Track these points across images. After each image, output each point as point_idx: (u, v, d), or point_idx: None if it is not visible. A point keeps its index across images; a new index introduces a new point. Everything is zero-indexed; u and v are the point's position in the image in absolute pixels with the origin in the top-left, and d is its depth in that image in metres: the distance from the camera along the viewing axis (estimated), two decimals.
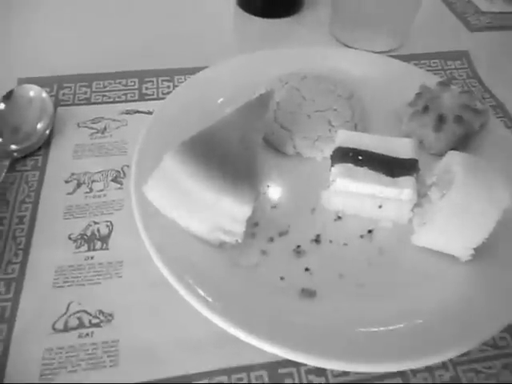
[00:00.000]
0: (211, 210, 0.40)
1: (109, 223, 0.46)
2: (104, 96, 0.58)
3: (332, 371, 0.38)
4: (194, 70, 0.57)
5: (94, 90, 0.59)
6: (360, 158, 0.44)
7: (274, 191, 0.47)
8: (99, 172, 0.50)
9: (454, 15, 0.75)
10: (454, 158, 0.41)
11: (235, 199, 0.39)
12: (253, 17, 0.71)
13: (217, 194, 0.39)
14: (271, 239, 0.43)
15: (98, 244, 0.45)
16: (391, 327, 0.38)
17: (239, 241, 0.41)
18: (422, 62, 0.65)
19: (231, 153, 0.41)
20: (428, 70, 0.63)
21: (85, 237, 0.45)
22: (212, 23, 0.70)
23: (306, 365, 0.37)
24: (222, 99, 0.54)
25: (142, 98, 0.58)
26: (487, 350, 0.39)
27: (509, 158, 0.49)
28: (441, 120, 0.49)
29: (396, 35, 0.67)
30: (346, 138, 0.46)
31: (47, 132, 0.52)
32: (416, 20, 0.67)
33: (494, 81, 0.63)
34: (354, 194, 0.43)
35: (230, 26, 0.72)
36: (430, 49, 0.67)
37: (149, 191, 0.42)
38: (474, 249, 0.40)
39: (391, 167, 0.43)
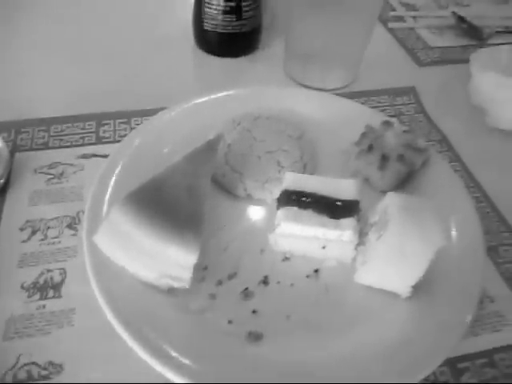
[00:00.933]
0: (158, 259, 0.41)
1: (62, 271, 0.47)
2: (61, 140, 0.59)
3: None
4: (151, 112, 0.59)
5: (51, 134, 0.60)
6: (304, 200, 0.45)
7: (225, 234, 0.48)
8: (54, 218, 0.51)
9: (404, 50, 0.78)
10: (390, 199, 0.44)
11: (180, 248, 0.40)
12: (211, 56, 0.73)
13: (162, 243, 0.40)
14: (220, 282, 0.45)
15: (51, 292, 0.45)
16: (335, 366, 0.39)
17: (187, 286, 0.42)
18: (372, 98, 0.67)
19: (178, 201, 0.43)
20: (377, 106, 0.66)
21: (37, 285, 0.45)
22: (170, 63, 0.72)
23: None
24: (176, 143, 0.55)
25: (99, 141, 0.60)
26: None
27: (448, 193, 0.51)
28: (384, 159, 0.52)
29: (347, 72, 0.69)
30: (293, 180, 0.48)
31: (2, 181, 0.52)
32: (368, 56, 0.70)
33: (439, 115, 0.66)
34: (299, 236, 0.45)
35: (188, 65, 0.74)
36: (381, 84, 0.70)
37: (99, 241, 0.43)
38: (413, 286, 0.42)
39: (334, 209, 0.45)
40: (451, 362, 0.42)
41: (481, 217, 0.52)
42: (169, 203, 0.42)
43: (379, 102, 0.67)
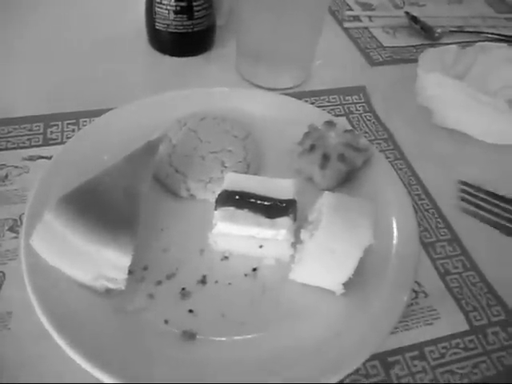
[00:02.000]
0: (93, 260, 0.41)
1: (1, 274, 0.47)
2: (8, 142, 0.59)
3: None
4: (100, 113, 0.59)
5: None
6: (241, 200, 0.46)
7: (166, 234, 0.49)
8: None
9: (357, 50, 0.79)
10: (325, 199, 0.45)
11: (114, 250, 0.41)
12: (163, 56, 0.73)
13: (96, 245, 0.41)
14: (159, 282, 0.45)
15: None
16: (263, 363, 0.40)
17: (122, 287, 0.42)
18: (322, 97, 0.68)
19: (113, 203, 0.43)
20: (327, 106, 0.67)
21: None
22: (123, 63, 0.71)
23: None
24: (121, 144, 0.55)
25: (47, 142, 0.59)
26: (359, 380, 0.42)
27: (388, 192, 0.52)
28: (325, 158, 0.53)
29: (298, 71, 0.70)
30: (233, 180, 0.48)
31: None
32: (321, 56, 0.72)
33: (387, 114, 0.67)
34: (235, 235, 0.45)
35: (141, 65, 0.74)
36: (333, 84, 0.71)
37: (35, 244, 0.43)
38: (345, 283, 0.43)
39: (270, 209, 0.46)
40: (382, 356, 0.43)
41: (421, 214, 0.54)
42: (104, 204, 0.43)
43: (329, 102, 0.68)
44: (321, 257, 0.42)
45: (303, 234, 0.44)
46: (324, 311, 0.44)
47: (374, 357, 0.42)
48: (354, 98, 0.69)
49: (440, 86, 0.62)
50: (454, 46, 0.70)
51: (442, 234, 0.53)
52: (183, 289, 0.45)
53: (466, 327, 0.46)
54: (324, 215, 0.42)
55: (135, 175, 0.46)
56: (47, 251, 0.42)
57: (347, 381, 0.41)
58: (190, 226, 0.50)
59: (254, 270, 0.47)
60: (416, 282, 0.48)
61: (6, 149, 0.58)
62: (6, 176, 0.55)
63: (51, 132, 0.60)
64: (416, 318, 0.46)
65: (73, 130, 0.61)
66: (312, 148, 0.54)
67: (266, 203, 0.46)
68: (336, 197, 0.45)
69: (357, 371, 0.42)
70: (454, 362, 0.44)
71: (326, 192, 0.46)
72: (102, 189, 0.44)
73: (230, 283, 0.45)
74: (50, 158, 0.57)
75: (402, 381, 0.42)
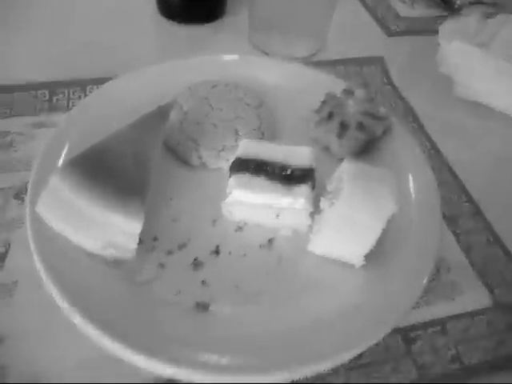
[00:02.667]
0: (102, 227, 0.39)
1: (6, 242, 0.45)
2: (12, 109, 0.57)
3: None
4: (107, 80, 0.56)
5: (1, 102, 0.57)
6: (257, 168, 0.44)
7: (177, 204, 0.47)
8: (1, 189, 0.49)
9: (373, 20, 0.76)
10: (345, 167, 0.42)
11: (124, 216, 0.39)
12: (174, 23, 0.71)
13: (105, 211, 0.39)
14: (170, 252, 0.43)
15: None
16: (280, 336, 0.38)
17: (132, 256, 0.40)
18: (338, 67, 0.66)
19: (122, 169, 0.41)
20: (344, 76, 0.64)
21: None
22: (131, 30, 0.69)
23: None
24: (128, 111, 0.52)
25: (53, 110, 0.57)
26: (379, 354, 0.40)
27: (408, 162, 0.50)
28: (343, 127, 0.50)
29: (312, 41, 0.67)
30: (247, 147, 0.46)
31: None
32: (336, 25, 0.69)
33: (406, 86, 0.64)
34: (251, 204, 0.43)
35: (149, 33, 0.71)
36: (349, 54, 0.68)
37: (41, 210, 0.41)
38: (366, 255, 0.41)
39: (287, 176, 0.44)
40: (403, 331, 0.41)
41: (442, 186, 0.52)
42: (112, 169, 0.40)
43: (346, 72, 0.65)
44: (341, 227, 0.40)
45: (323, 203, 0.42)
46: (343, 284, 0.42)
47: (394, 331, 0.41)
48: (371, 68, 0.66)
49: (463, 56, 0.59)
50: (474, 15, 0.67)
51: (465, 207, 0.51)
52: (195, 259, 0.43)
53: (489, 303, 0.44)
54: (345, 184, 0.40)
55: (145, 141, 0.44)
56: (54, 218, 0.40)
57: (366, 355, 0.40)
58: (201, 195, 0.47)
59: (270, 240, 0.44)
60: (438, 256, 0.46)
61: (11, 116, 0.56)
62: (11, 143, 0.53)
63: (57, 99, 0.58)
64: (438, 293, 0.44)
65: (79, 98, 0.58)
66: (330, 116, 0.51)
67: (283, 171, 0.44)
68: (357, 165, 0.42)
69: (376, 346, 0.40)
70: (478, 337, 0.42)
71: (346, 160, 0.44)
72: (110, 154, 0.42)
73: (244, 254, 0.43)
74: (55, 125, 0.55)
75: (424, 356, 0.40)
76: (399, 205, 0.39)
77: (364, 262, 0.41)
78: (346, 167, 0.42)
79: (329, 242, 0.41)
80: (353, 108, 0.52)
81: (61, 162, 0.46)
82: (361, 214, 0.39)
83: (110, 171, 0.40)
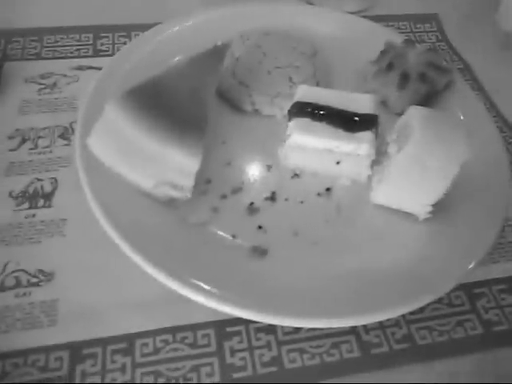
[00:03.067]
0: (158, 163, 0.38)
1: (53, 180, 0.43)
2: (55, 51, 0.55)
3: (282, 328, 0.36)
4: (152, 26, 0.54)
5: (44, 44, 0.55)
6: (318, 112, 0.42)
7: (229, 148, 0.45)
8: (46, 128, 0.47)
9: None
10: (413, 113, 0.40)
11: (182, 151, 0.37)
12: None
13: (162, 144, 0.37)
14: (224, 196, 0.41)
15: (41, 202, 0.42)
16: (342, 283, 0.36)
17: (188, 196, 0.39)
18: (391, 24, 0.62)
19: (179, 104, 0.39)
20: None
21: (27, 194, 0.42)
22: None
23: (255, 322, 0.35)
24: (178, 57, 0.51)
25: (97, 53, 0.55)
26: (442, 309, 0.38)
27: (471, 118, 0.47)
28: (405, 78, 0.48)
29: None
30: (306, 92, 0.44)
31: None
32: None
33: (462, 44, 0.61)
34: (311, 149, 0.41)
35: None
36: (400, 11, 0.65)
37: (93, 144, 0.39)
38: (432, 207, 0.39)
39: (350, 122, 0.41)
40: (467, 287, 0.39)
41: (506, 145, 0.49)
42: (169, 104, 0.38)
43: (399, 28, 0.62)
44: (411, 172, 0.37)
45: (391, 147, 0.39)
46: (406, 236, 0.40)
47: (459, 287, 0.39)
48: (425, 26, 0.63)
49: None
50: None
51: None
52: (251, 204, 0.41)
53: None
54: (415, 127, 0.38)
55: (202, 78, 0.41)
56: (106, 152, 0.38)
57: (429, 309, 0.38)
58: (255, 141, 0.45)
59: (328, 189, 0.42)
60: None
61: (54, 58, 0.54)
62: (55, 84, 0.51)
63: (101, 43, 0.56)
64: (504, 252, 0.42)
65: (124, 43, 0.56)
66: (390, 67, 0.49)
67: (344, 116, 0.42)
68: (425, 111, 0.40)
69: (440, 300, 0.38)
70: None
71: (413, 106, 0.41)
72: (167, 87, 0.40)
73: (301, 201, 0.42)
74: (100, 68, 0.52)
75: (490, 313, 0.38)
76: (472, 152, 0.37)
77: (430, 215, 0.39)
78: (414, 112, 0.40)
79: (394, 190, 0.39)
80: (414, 59, 0.49)
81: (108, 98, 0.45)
82: (433, 158, 0.36)
83: (168, 105, 0.38)
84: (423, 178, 0.37)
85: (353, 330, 0.36)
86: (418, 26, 0.63)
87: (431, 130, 0.38)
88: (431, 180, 0.37)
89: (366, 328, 0.36)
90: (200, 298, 0.34)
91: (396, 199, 0.40)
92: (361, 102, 0.43)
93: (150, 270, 0.34)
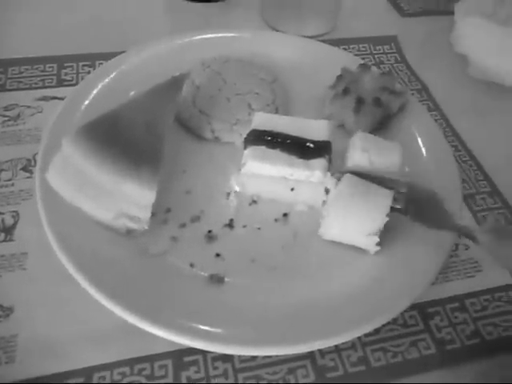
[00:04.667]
0: (114, 196, 0.38)
1: (15, 213, 0.44)
2: (20, 82, 0.56)
3: (239, 356, 0.37)
4: (116, 55, 0.55)
5: (9, 76, 0.56)
6: (273, 140, 0.43)
7: (189, 176, 0.46)
8: (9, 161, 0.48)
9: (387, 0, 0.75)
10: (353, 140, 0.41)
11: (137, 184, 0.38)
12: (184, 0, 0.69)
13: (118, 178, 0.38)
14: (183, 225, 0.42)
15: (2, 235, 0.42)
16: (299, 309, 0.37)
17: (145, 227, 0.39)
18: (352, 46, 0.64)
19: (135, 137, 0.40)
20: (357, 55, 0.63)
21: None
22: (141, 5, 0.68)
23: (212, 352, 0.36)
24: (139, 85, 0.51)
25: (61, 83, 0.56)
26: (396, 329, 0.39)
27: (425, 139, 0.49)
28: (360, 102, 0.49)
29: (325, 20, 0.66)
30: (262, 120, 0.45)
31: None
32: (348, 5, 0.67)
33: (420, 65, 0.63)
34: (266, 176, 0.42)
35: (158, 8, 0.69)
36: (361, 33, 0.67)
37: (51, 178, 0.40)
38: (381, 237, 0.40)
39: (304, 149, 0.43)
40: (421, 307, 0.41)
41: (458, 165, 0.51)
42: (125, 138, 0.39)
43: (359, 51, 0.64)
44: (347, 205, 0.38)
45: (328, 182, 0.40)
46: (360, 260, 0.41)
47: (412, 307, 0.40)
48: (385, 47, 0.65)
49: (479, 32, 0.58)
50: None
51: (482, 186, 0.50)
52: (209, 231, 0.42)
53: (509, 280, 0.43)
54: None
55: (158, 110, 0.42)
56: (64, 185, 0.39)
57: (384, 331, 0.39)
58: (214, 168, 0.46)
59: (285, 215, 0.44)
60: None
61: (18, 89, 0.55)
62: (19, 115, 0.52)
63: (65, 73, 0.57)
64: (457, 270, 0.43)
65: (88, 72, 0.57)
66: (345, 91, 0.50)
67: (298, 143, 0.43)
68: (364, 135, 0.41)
69: (395, 321, 0.39)
70: (497, 314, 0.41)
71: (357, 134, 0.43)
72: (123, 121, 0.41)
73: (259, 228, 0.42)
74: (63, 98, 0.53)
75: (442, 331, 0.39)
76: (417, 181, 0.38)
77: (378, 247, 0.40)
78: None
79: (336, 225, 0.40)
80: (369, 83, 0.51)
81: (69, 131, 0.45)
82: (367, 185, 0.38)
83: (123, 139, 0.39)
84: (357, 210, 0.38)
85: (309, 355, 0.37)
86: (378, 47, 0.65)
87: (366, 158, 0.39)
88: (372, 202, 0.38)
89: (322, 352, 0.37)
90: (157, 332, 0.34)
91: (339, 234, 0.40)
92: (316, 129, 0.44)
93: (105, 302, 0.35)
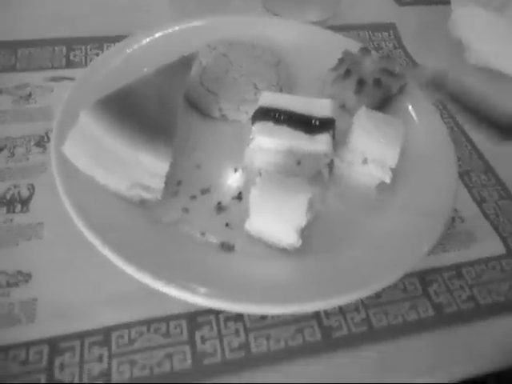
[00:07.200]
0: (130, 166, 0.40)
1: (30, 186, 0.45)
2: (30, 63, 0.57)
3: (249, 316, 0.39)
4: (124, 38, 0.57)
5: (19, 57, 0.57)
6: (280, 116, 0.45)
7: (199, 152, 0.48)
8: (21, 137, 0.49)
9: None
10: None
11: (152, 155, 0.40)
12: None
13: (134, 149, 0.40)
14: (193, 197, 0.44)
15: (18, 207, 0.44)
16: (304, 272, 0.39)
17: (159, 197, 0.41)
18: (351, 32, 0.66)
19: (149, 111, 0.42)
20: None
21: (4, 200, 0.44)
22: None
23: (224, 312, 0.38)
24: (148, 67, 0.53)
25: (70, 65, 0.57)
26: (397, 294, 0.41)
27: (423, 119, 0.51)
28: (360, 83, 0.51)
29: (325, 7, 0.68)
30: (269, 98, 0.47)
31: None
32: None
33: (418, 52, 0.65)
34: (274, 150, 0.44)
35: None
36: (360, 20, 0.69)
37: (67, 150, 0.41)
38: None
39: (309, 125, 0.45)
40: (420, 274, 0.43)
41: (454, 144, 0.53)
42: (140, 111, 0.41)
43: (358, 36, 0.66)
44: (268, 199, 0.38)
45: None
46: (366, 229, 0.43)
47: (412, 274, 0.42)
48: (383, 34, 0.67)
49: (476, 20, 0.60)
50: None
51: (476, 164, 0.53)
52: (219, 203, 0.44)
53: (502, 251, 0.45)
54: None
55: (170, 86, 0.44)
56: (81, 158, 0.41)
57: (386, 295, 0.41)
58: (222, 145, 0.48)
59: None
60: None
61: (28, 69, 0.56)
62: (30, 95, 0.53)
63: (74, 55, 0.59)
64: (453, 241, 0.46)
65: (96, 54, 0.59)
66: (347, 73, 0.52)
67: (304, 120, 0.45)
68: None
69: (396, 286, 0.41)
70: (492, 281, 0.43)
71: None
72: (137, 96, 0.42)
73: None
74: (73, 79, 0.55)
75: (440, 296, 0.42)
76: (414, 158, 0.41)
77: (300, 241, 0.39)
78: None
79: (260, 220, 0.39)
80: (370, 66, 0.53)
81: (81, 109, 0.47)
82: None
83: (139, 112, 0.41)
84: (278, 207, 0.38)
85: (315, 315, 0.39)
86: (377, 34, 0.67)
87: None
88: (286, 208, 0.38)
89: (327, 313, 0.39)
90: (172, 291, 0.36)
91: (263, 230, 0.40)
92: (320, 107, 0.46)
93: (120, 263, 0.36)
